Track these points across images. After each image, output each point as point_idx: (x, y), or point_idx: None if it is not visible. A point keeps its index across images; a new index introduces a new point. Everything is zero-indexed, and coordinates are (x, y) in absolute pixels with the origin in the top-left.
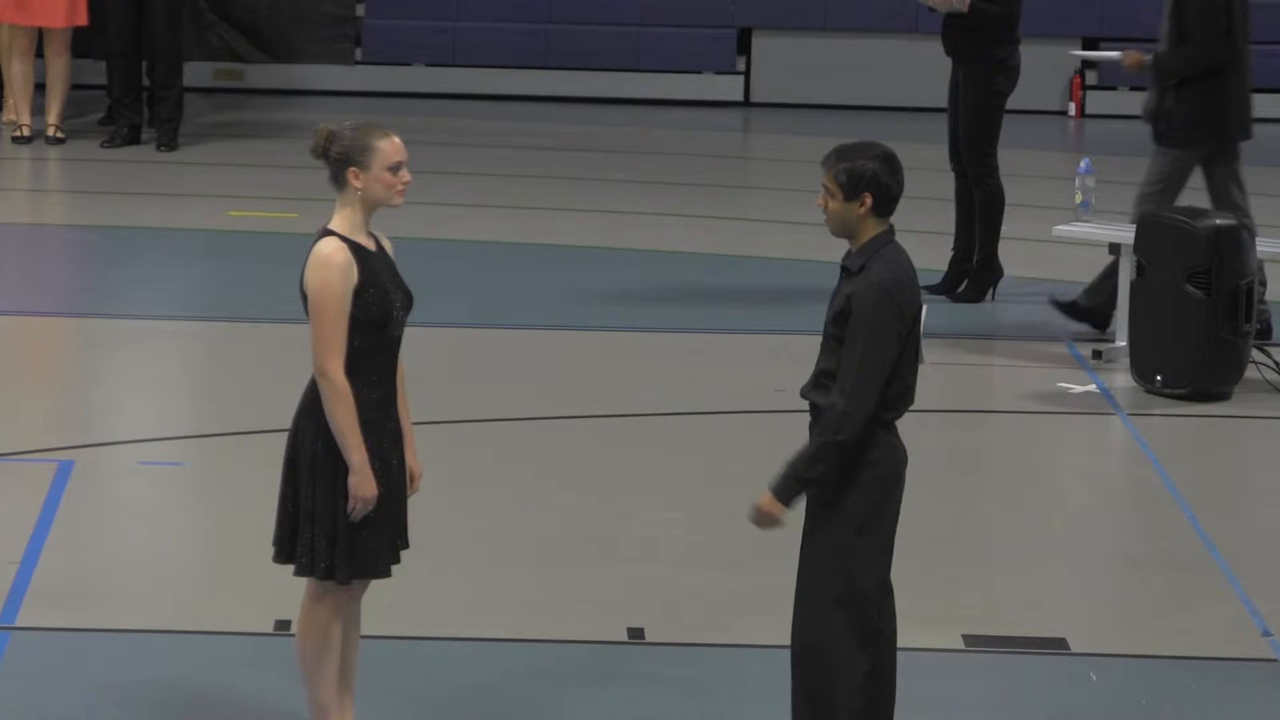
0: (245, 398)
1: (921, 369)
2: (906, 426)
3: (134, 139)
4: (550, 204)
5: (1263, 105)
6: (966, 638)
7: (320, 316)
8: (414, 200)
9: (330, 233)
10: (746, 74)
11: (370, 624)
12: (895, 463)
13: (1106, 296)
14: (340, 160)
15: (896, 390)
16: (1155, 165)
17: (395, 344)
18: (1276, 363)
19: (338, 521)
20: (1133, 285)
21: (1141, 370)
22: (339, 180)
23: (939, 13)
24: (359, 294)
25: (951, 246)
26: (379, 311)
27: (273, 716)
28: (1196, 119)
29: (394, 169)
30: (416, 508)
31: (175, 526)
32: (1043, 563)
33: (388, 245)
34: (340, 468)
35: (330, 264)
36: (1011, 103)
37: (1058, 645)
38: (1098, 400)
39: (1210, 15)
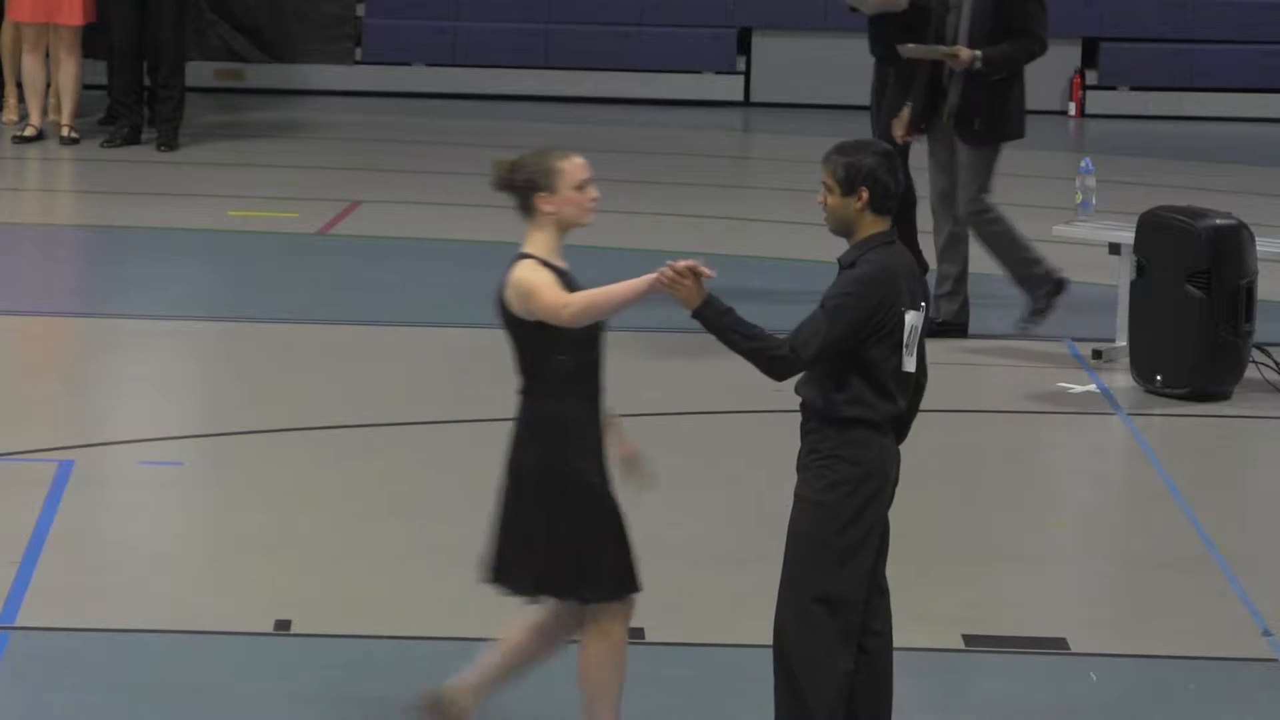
0: (245, 398)
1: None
2: None
3: (134, 139)
4: None
5: (1261, 105)
6: (966, 637)
7: (537, 295)
8: (413, 200)
9: (527, 256)
10: (746, 74)
11: (371, 624)
12: (882, 463)
13: (959, 305)
14: (527, 187)
15: (877, 388)
16: (980, 165)
17: (600, 360)
18: (1276, 362)
19: (590, 543)
20: (1133, 285)
21: (1141, 370)
22: (528, 207)
23: (861, 13)
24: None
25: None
26: (583, 330)
27: (272, 716)
28: (1012, 114)
29: (580, 187)
30: (418, 509)
31: (175, 526)
32: (1043, 562)
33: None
34: (571, 491)
35: (535, 270)
36: None
37: (1058, 645)
38: (1098, 400)
39: (1040, 8)
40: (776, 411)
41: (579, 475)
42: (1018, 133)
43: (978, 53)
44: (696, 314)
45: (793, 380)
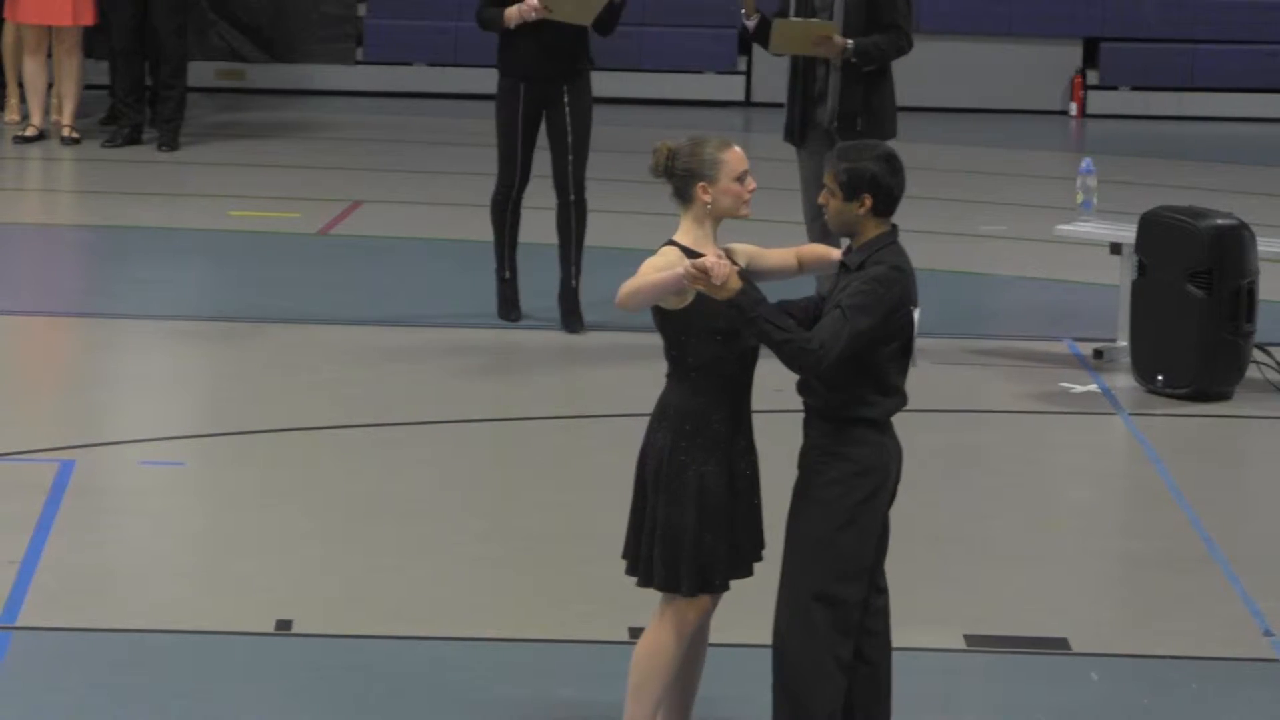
0: (246, 398)
1: (913, 372)
2: (908, 426)
3: (135, 139)
4: (551, 203)
5: (1262, 105)
6: (968, 637)
7: (641, 275)
8: (414, 200)
9: (672, 243)
10: (748, 74)
11: (372, 624)
12: (883, 461)
13: None
14: (687, 175)
15: (881, 386)
16: None
17: (745, 356)
18: (1278, 362)
19: (679, 535)
20: (1134, 285)
21: (1142, 370)
22: (686, 196)
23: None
24: (701, 304)
25: None
26: (725, 322)
27: (273, 716)
28: (890, 113)
29: (740, 178)
30: (419, 509)
31: (176, 526)
32: (1044, 562)
33: (742, 254)
34: (682, 482)
35: (660, 255)
36: (1013, 102)
37: (1059, 645)
38: (1099, 400)
39: (907, 6)
40: (776, 411)
41: (691, 466)
42: (894, 131)
43: (849, 42)
44: (731, 303)
45: (793, 378)
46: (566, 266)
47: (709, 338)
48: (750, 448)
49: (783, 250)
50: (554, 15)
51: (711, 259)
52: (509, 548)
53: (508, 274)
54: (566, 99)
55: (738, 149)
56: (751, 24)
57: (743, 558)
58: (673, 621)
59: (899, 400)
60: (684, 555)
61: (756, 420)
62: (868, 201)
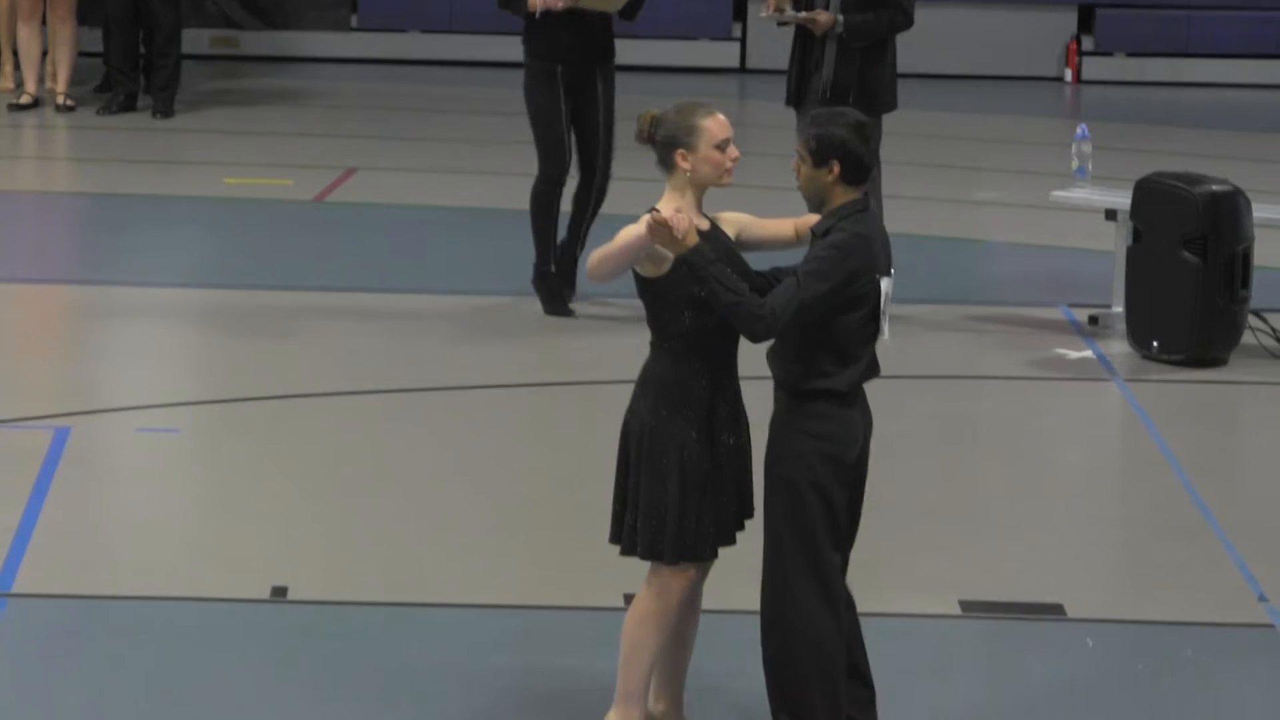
0: (241, 365)
1: (908, 338)
2: (905, 392)
3: (130, 106)
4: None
5: (1257, 71)
6: (963, 604)
7: (613, 241)
8: (408, 168)
9: (655, 211)
10: (742, 40)
11: (367, 591)
12: (847, 434)
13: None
14: (667, 143)
15: (841, 356)
16: None
17: (727, 325)
18: (1272, 328)
19: (661, 505)
20: (1129, 251)
21: (1138, 336)
22: (667, 163)
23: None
24: (681, 270)
25: None
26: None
27: (269, 683)
28: (886, 87)
29: (721, 146)
30: (415, 476)
31: (171, 493)
32: (1039, 528)
33: (732, 224)
34: (664, 452)
35: (640, 221)
36: (1008, 69)
37: (1055, 611)
38: (1094, 366)
39: None
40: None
41: (673, 436)
42: (891, 105)
43: (839, 17)
44: (684, 259)
45: (764, 350)
46: (574, 236)
47: (688, 305)
48: (735, 417)
49: (779, 220)
50: (582, 4)
51: (671, 212)
52: (505, 514)
53: (553, 267)
54: (600, 80)
55: (721, 117)
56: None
57: (727, 527)
58: (658, 590)
59: (864, 370)
60: (666, 525)
61: (746, 387)
62: (836, 168)
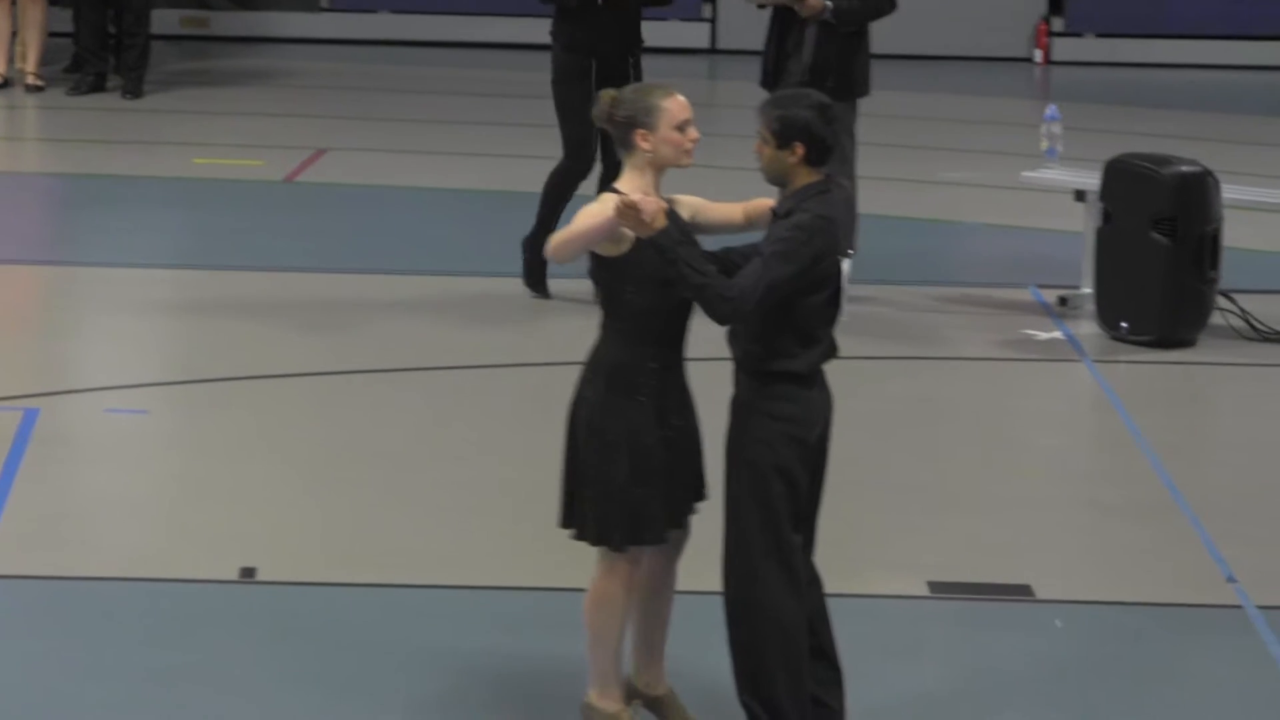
0: (211, 346)
1: (877, 319)
2: (874, 373)
3: (99, 86)
4: (519, 151)
5: (1226, 52)
6: (932, 584)
7: (574, 223)
8: (378, 148)
9: (614, 191)
10: (713, 21)
11: (336, 572)
12: (808, 416)
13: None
14: (626, 123)
15: (803, 338)
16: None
17: (680, 307)
18: (1241, 309)
19: (610, 489)
20: (1099, 232)
21: (1107, 317)
22: (626, 144)
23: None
24: (639, 251)
25: None
26: (660, 270)
27: (237, 663)
28: (863, 72)
29: (681, 127)
30: (385, 456)
31: (140, 474)
32: (1008, 509)
33: (687, 206)
34: (614, 434)
35: (601, 201)
36: (978, 49)
37: (1023, 592)
38: (1063, 347)
39: None
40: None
41: (624, 419)
42: (865, 90)
43: (828, 3)
44: (652, 241)
45: (719, 330)
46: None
47: (645, 286)
48: (683, 399)
49: (730, 204)
50: None
51: (641, 195)
52: (479, 496)
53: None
54: (631, 71)
55: (681, 98)
56: None
57: (678, 510)
58: (610, 574)
59: (825, 351)
60: (615, 508)
61: (694, 369)
62: (799, 150)
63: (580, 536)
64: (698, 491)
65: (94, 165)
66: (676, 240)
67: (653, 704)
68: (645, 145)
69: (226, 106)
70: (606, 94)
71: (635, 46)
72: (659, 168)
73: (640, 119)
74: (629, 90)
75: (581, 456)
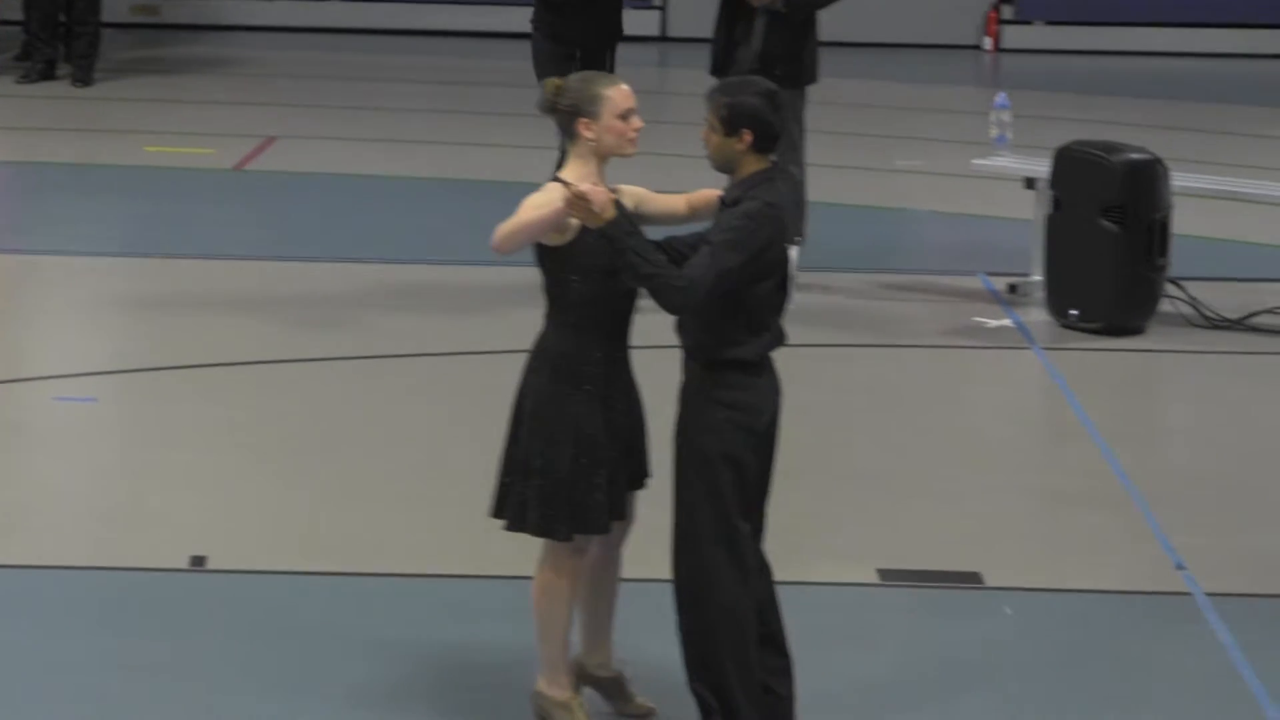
0: (160, 334)
1: (827, 306)
2: (824, 360)
3: (49, 74)
4: (470, 139)
5: (1177, 40)
6: (881, 572)
7: (519, 214)
8: (328, 136)
9: (558, 180)
10: (663, 9)
11: (287, 560)
12: (756, 404)
13: None
14: (570, 112)
15: (752, 325)
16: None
17: (625, 295)
18: (1190, 297)
19: (555, 478)
20: (1048, 219)
21: (1056, 304)
22: (570, 132)
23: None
24: (583, 239)
25: None
26: (606, 259)
27: (188, 652)
28: (811, 60)
29: (624, 116)
30: (336, 445)
31: (89, 463)
32: (957, 497)
33: (630, 196)
34: (558, 423)
35: (543, 192)
36: (927, 37)
37: (973, 580)
38: (1013, 334)
39: None
40: (659, 348)
41: (569, 409)
42: (814, 77)
43: None
44: (602, 231)
45: (667, 318)
46: None
47: (590, 275)
48: (629, 387)
49: (673, 195)
50: None
51: (589, 185)
52: (430, 484)
53: None
54: (609, 62)
55: (624, 86)
56: None
57: (620, 499)
58: (555, 564)
59: (773, 338)
60: (559, 498)
61: (641, 357)
62: (747, 137)
63: (520, 528)
64: (640, 474)
65: (44, 153)
66: (627, 230)
67: (601, 685)
68: (588, 134)
69: (177, 94)
70: (550, 83)
71: (616, 38)
72: (602, 156)
73: (584, 107)
74: (573, 79)
75: (525, 446)
